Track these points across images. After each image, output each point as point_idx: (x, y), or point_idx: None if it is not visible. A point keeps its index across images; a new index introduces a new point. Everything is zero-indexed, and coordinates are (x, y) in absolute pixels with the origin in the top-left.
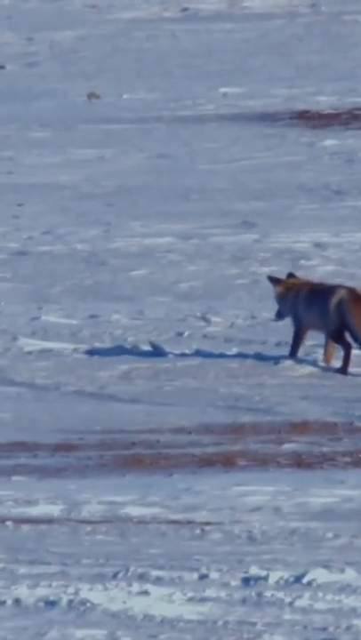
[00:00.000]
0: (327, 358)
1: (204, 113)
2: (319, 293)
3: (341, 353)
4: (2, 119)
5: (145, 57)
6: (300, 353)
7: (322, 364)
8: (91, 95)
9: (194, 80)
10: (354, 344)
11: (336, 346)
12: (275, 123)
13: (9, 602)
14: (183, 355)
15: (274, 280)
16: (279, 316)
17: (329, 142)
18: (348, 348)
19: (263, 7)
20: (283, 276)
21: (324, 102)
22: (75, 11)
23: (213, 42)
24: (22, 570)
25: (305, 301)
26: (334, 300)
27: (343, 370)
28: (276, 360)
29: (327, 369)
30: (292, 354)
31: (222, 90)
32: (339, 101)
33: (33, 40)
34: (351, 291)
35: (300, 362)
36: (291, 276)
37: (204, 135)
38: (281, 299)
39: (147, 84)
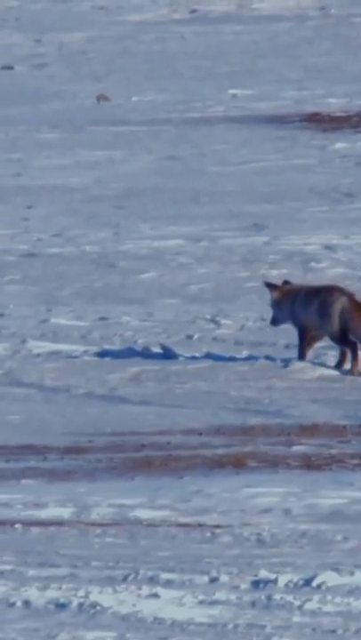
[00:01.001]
0: (341, 361)
1: (214, 115)
2: (316, 295)
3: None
4: (11, 121)
5: (154, 59)
6: (310, 356)
7: (332, 367)
8: (100, 97)
9: (203, 82)
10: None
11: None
12: (284, 125)
13: (19, 604)
14: (193, 357)
15: (271, 286)
16: (274, 322)
17: (339, 145)
18: (354, 348)
19: (272, 9)
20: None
21: (334, 105)
22: (83, 12)
23: (222, 44)
24: (32, 572)
25: (302, 303)
26: (337, 308)
27: (353, 370)
28: (286, 363)
29: (339, 371)
30: (301, 357)
31: (231, 92)
32: (349, 104)
33: (41, 42)
34: (351, 298)
35: (310, 364)
36: (286, 283)
37: (213, 137)
38: (277, 305)
39: (156, 86)
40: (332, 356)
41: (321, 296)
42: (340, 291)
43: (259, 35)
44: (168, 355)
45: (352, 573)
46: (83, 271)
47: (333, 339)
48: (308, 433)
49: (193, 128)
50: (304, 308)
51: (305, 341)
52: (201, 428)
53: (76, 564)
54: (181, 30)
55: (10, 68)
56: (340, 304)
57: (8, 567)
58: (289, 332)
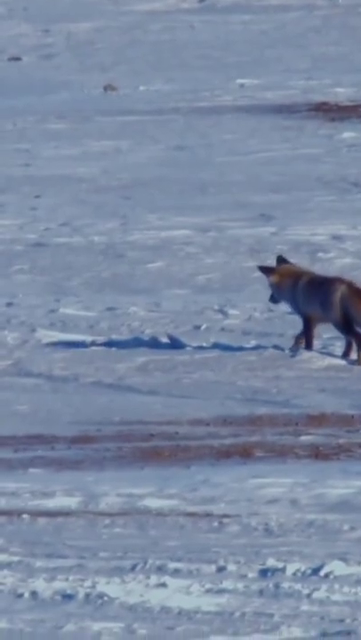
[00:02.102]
0: (347, 351)
1: (222, 105)
2: (318, 285)
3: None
4: (18, 111)
5: (162, 48)
6: (317, 345)
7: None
8: (107, 87)
9: (211, 71)
10: None
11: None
12: (292, 115)
13: (26, 594)
14: (201, 347)
15: (266, 270)
16: (274, 300)
17: (347, 134)
18: (359, 339)
19: None
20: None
21: (342, 94)
22: (91, 2)
23: (231, 33)
24: (39, 563)
25: (303, 292)
26: (337, 296)
27: (359, 361)
28: (294, 352)
29: (346, 360)
30: (308, 346)
31: (239, 81)
32: (357, 93)
33: (49, 32)
34: (350, 285)
35: (318, 354)
36: (281, 260)
37: (221, 127)
38: (277, 288)
39: (164, 76)
40: (339, 346)
41: (322, 288)
42: (340, 280)
43: (267, 24)
44: (175, 345)
45: (359, 563)
46: (90, 261)
47: (338, 327)
48: (315, 422)
49: (200, 118)
50: (306, 299)
51: (311, 331)
52: (208, 418)
53: (83, 555)
54: (190, 20)
55: (17, 59)
56: (339, 292)
57: (16, 558)
58: (296, 323)
